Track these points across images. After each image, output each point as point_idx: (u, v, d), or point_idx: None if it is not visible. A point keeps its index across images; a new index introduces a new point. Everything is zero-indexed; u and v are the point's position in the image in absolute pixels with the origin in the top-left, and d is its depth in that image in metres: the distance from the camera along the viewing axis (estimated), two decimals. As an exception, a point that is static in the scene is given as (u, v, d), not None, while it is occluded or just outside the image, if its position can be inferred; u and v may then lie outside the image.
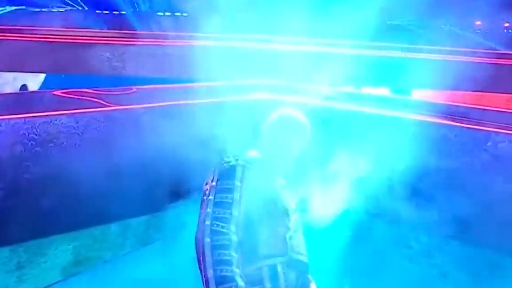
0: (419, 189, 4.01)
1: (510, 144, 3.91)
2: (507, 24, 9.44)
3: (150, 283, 3.96)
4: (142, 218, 4.38)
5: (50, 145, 3.95)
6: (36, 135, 3.90)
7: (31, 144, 3.86)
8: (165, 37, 7.49)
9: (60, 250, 4.01)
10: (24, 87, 7.34)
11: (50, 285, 3.95)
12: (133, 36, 7.55)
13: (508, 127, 4.01)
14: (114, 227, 4.23)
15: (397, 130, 4.02)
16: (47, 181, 3.84)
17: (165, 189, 4.46)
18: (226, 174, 2.07)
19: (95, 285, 4.01)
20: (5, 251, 3.81)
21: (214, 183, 2.06)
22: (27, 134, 3.86)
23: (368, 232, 4.38)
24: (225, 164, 2.10)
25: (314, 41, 6.26)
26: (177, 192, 4.47)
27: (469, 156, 3.90)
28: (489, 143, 3.90)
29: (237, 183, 2.04)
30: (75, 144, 4.04)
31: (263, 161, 2.17)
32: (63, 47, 7.04)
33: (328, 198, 3.87)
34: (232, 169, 2.08)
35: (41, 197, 3.83)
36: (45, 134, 3.93)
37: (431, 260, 4.20)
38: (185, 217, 4.46)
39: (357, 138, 4.04)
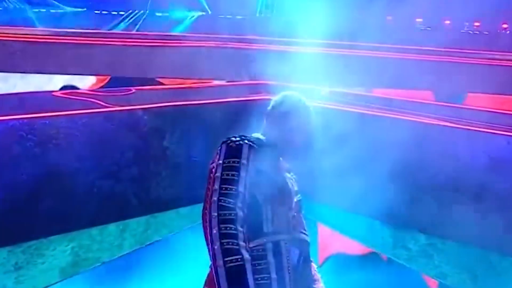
0: (418, 189, 4.00)
1: (509, 146, 3.91)
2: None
3: (149, 284, 3.96)
4: (141, 219, 4.37)
5: (48, 146, 3.95)
6: (34, 136, 3.90)
7: (30, 145, 3.86)
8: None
9: (58, 251, 4.01)
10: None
11: (48, 286, 3.95)
12: (133, 37, 7.57)
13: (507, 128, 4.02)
14: (112, 228, 4.23)
15: (396, 130, 4.02)
16: (45, 182, 3.84)
17: (164, 190, 4.46)
18: (233, 153, 2.10)
19: (94, 286, 4.01)
20: (3, 252, 3.80)
21: (220, 161, 2.09)
22: (25, 135, 3.85)
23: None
24: (231, 144, 2.12)
25: (317, 42, 6.27)
26: (177, 192, 4.47)
27: (467, 157, 3.90)
28: (488, 145, 3.91)
29: (243, 161, 2.08)
30: (74, 145, 4.04)
31: (268, 142, 2.20)
32: (63, 47, 7.05)
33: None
34: (239, 147, 2.11)
35: (39, 198, 3.83)
36: (44, 135, 3.93)
37: (430, 261, 4.20)
38: (184, 218, 4.47)
39: (356, 139, 4.04)
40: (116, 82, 7.04)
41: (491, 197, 3.74)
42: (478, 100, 5.62)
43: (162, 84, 7.11)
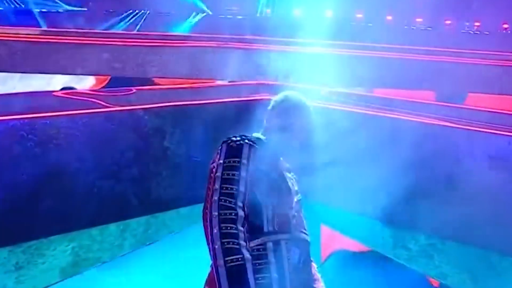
0: (418, 190, 4.00)
1: (510, 146, 3.92)
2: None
3: (149, 284, 3.96)
4: (141, 219, 4.38)
5: (49, 146, 3.95)
6: (35, 136, 3.90)
7: (30, 145, 3.86)
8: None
9: (58, 251, 4.01)
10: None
11: (49, 286, 3.95)
12: (133, 37, 7.58)
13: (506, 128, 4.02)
14: (113, 228, 4.23)
15: (396, 131, 4.02)
16: (45, 182, 3.84)
17: (165, 190, 4.46)
18: (233, 152, 2.11)
19: (94, 286, 4.01)
20: (4, 251, 3.81)
21: (221, 161, 2.10)
22: (26, 135, 3.86)
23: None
24: (231, 143, 2.13)
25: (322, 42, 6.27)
26: (177, 192, 4.48)
27: (468, 157, 3.90)
28: (488, 145, 3.91)
29: (244, 161, 2.09)
30: (74, 145, 4.04)
31: (268, 141, 2.21)
32: (64, 47, 7.06)
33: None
34: (239, 147, 2.12)
35: (39, 198, 3.83)
36: (44, 135, 3.94)
37: (430, 261, 4.20)
38: (184, 218, 4.47)
39: (357, 139, 4.04)
40: (115, 84, 7.05)
41: (492, 197, 3.74)
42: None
43: (157, 84, 7.12)
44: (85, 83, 8.06)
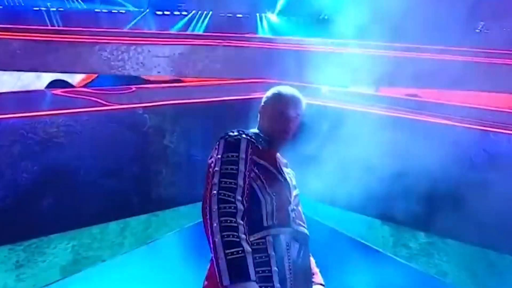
0: (419, 188, 4.01)
1: (509, 144, 3.92)
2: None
3: (149, 282, 3.96)
4: (141, 217, 4.38)
5: (49, 144, 3.96)
6: (35, 134, 3.91)
7: (30, 143, 3.87)
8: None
9: (59, 249, 4.02)
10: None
11: (49, 284, 3.95)
12: (132, 36, 7.56)
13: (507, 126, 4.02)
14: (113, 226, 4.24)
15: (397, 130, 4.02)
16: (46, 180, 3.85)
17: (165, 188, 4.47)
18: (231, 147, 2.12)
19: (94, 284, 4.01)
20: (4, 250, 3.81)
21: (219, 156, 2.11)
22: (26, 134, 3.86)
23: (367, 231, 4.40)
24: (229, 138, 2.14)
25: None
26: (178, 191, 4.48)
27: (467, 155, 3.90)
28: (488, 144, 3.91)
29: (242, 155, 2.10)
30: (74, 144, 4.05)
31: (264, 136, 2.25)
32: (63, 47, 7.05)
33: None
34: (237, 142, 2.13)
35: (40, 196, 3.84)
36: (44, 133, 3.94)
37: (430, 260, 4.21)
38: (184, 217, 4.48)
39: (356, 138, 4.04)
40: (105, 78, 7.02)
41: (492, 196, 3.74)
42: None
43: (147, 81, 7.08)
44: (75, 77, 8.00)
